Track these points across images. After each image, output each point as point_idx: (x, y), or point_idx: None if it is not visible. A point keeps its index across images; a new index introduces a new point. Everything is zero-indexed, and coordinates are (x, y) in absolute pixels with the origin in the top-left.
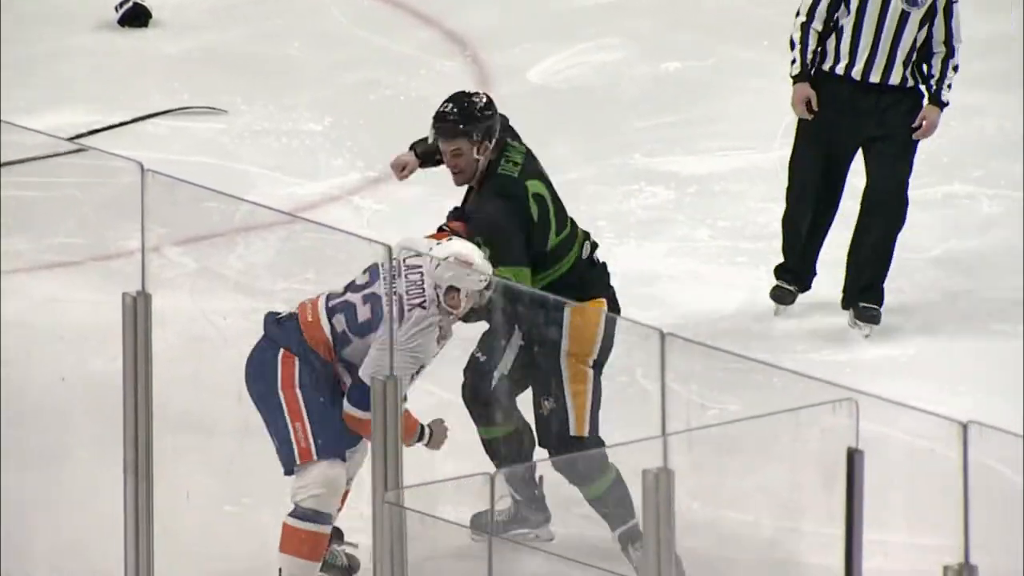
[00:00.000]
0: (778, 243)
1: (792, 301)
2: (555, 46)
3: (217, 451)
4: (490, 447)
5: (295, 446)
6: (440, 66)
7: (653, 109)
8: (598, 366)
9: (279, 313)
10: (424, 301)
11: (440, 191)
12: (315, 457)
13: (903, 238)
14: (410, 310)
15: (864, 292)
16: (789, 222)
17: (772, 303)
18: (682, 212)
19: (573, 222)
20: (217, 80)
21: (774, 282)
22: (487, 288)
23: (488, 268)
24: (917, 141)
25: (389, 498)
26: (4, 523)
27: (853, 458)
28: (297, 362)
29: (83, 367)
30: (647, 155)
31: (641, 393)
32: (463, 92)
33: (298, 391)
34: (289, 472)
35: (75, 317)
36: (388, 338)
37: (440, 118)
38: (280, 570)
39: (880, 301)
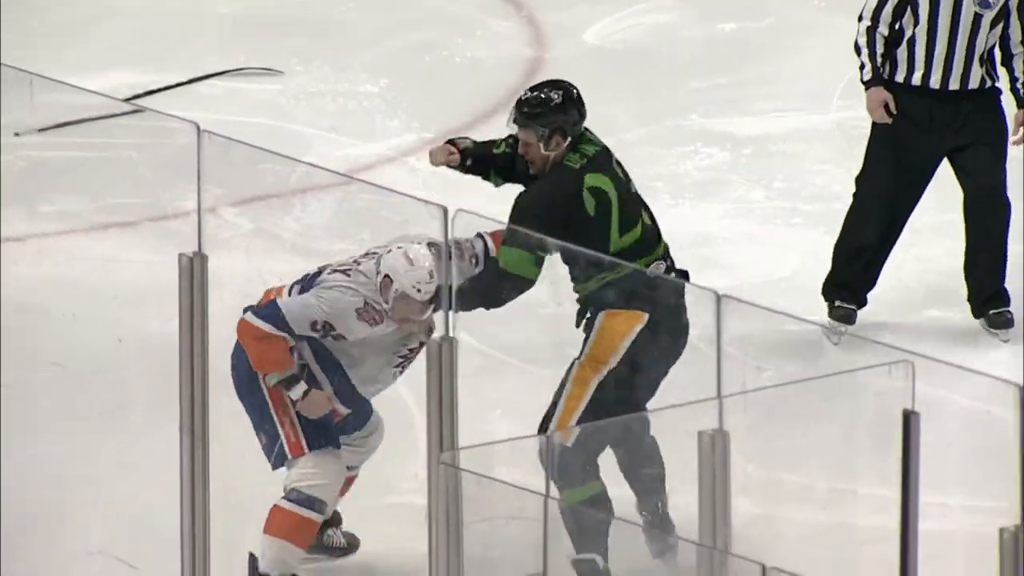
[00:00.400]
0: (839, 205)
1: (854, 321)
2: (611, 7)
3: None
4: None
5: (284, 441)
6: (496, 27)
7: (708, 70)
8: (616, 380)
9: (253, 305)
10: (349, 270)
11: None
12: (307, 451)
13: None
14: (331, 272)
15: (990, 300)
16: (852, 239)
17: (825, 276)
18: (737, 173)
19: (659, 237)
20: (273, 41)
21: (832, 303)
22: (427, 303)
23: (428, 284)
24: (1006, 141)
25: (444, 459)
26: (60, 485)
27: (909, 420)
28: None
29: (140, 328)
30: (703, 116)
31: (697, 355)
32: (548, 83)
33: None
34: (279, 466)
35: (131, 278)
36: (446, 304)
37: (517, 105)
38: (252, 555)
39: (1007, 301)
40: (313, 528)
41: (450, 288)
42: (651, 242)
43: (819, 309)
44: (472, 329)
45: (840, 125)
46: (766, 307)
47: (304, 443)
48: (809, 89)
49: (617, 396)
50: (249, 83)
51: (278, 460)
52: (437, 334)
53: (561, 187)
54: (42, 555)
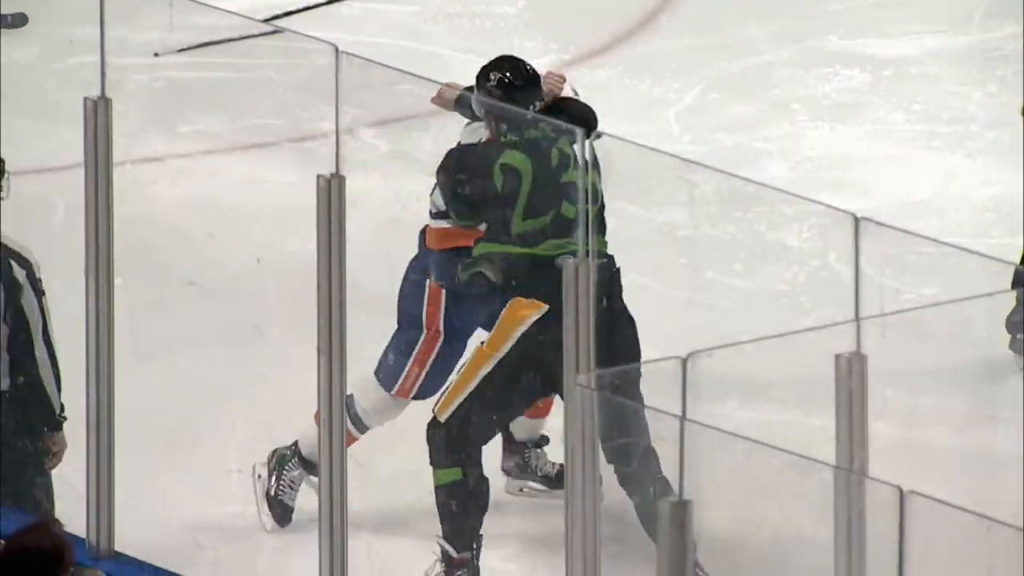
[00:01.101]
0: (975, 128)
1: None
2: None
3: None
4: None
5: (402, 380)
6: None
7: None
8: (505, 369)
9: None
10: None
11: (631, 72)
12: (409, 399)
13: None
14: None
15: None
16: None
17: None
18: (877, 95)
19: (590, 233)
20: None
21: (1011, 335)
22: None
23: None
24: None
25: (581, 382)
26: (199, 403)
27: None
28: (444, 298)
29: (278, 248)
30: (842, 38)
31: (834, 278)
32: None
33: (439, 332)
34: (385, 388)
35: (270, 199)
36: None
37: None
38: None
39: None
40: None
41: (587, 213)
42: (565, 232)
43: (956, 231)
44: (613, 249)
45: (980, 47)
46: (904, 230)
47: (412, 394)
48: (949, 11)
49: (502, 388)
50: (387, 4)
51: (386, 385)
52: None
53: (477, 155)
54: (183, 473)
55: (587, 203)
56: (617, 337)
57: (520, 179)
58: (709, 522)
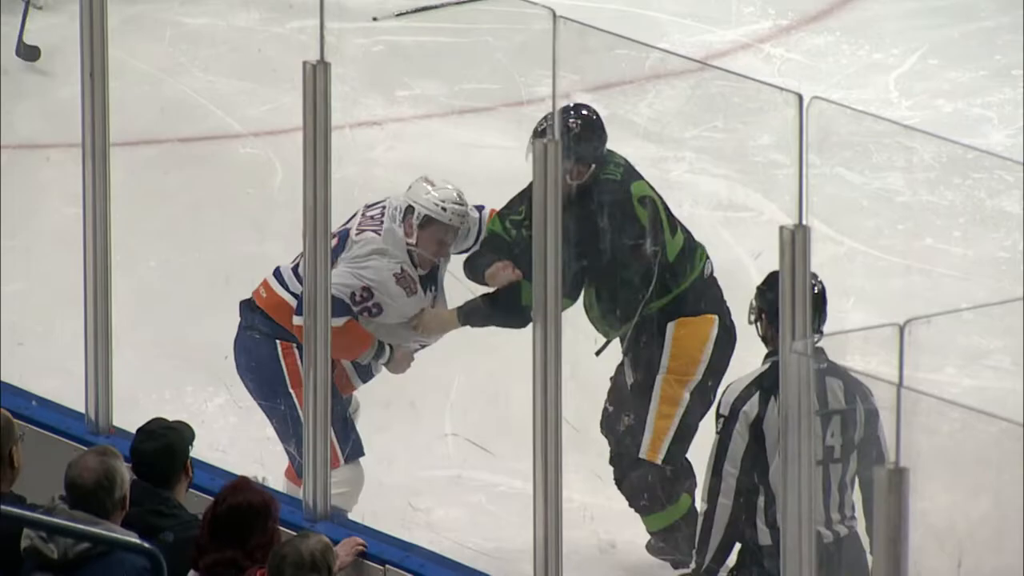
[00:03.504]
0: None
1: None
2: None
3: None
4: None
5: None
6: None
7: None
8: (702, 392)
9: (250, 298)
10: (379, 229)
11: (849, 37)
12: (342, 462)
13: None
14: (359, 234)
15: None
16: None
17: None
18: None
19: (690, 234)
20: None
21: None
22: (452, 219)
23: (454, 205)
24: None
25: (797, 348)
26: (415, 369)
27: None
28: (297, 353)
29: None
30: None
31: None
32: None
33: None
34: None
35: (486, 163)
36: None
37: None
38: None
39: None
40: None
41: None
42: (692, 241)
43: None
44: (825, 217)
45: None
46: None
47: (341, 456)
48: None
49: (703, 409)
50: None
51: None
52: (791, 221)
53: (615, 201)
54: (398, 436)
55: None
56: None
57: (655, 202)
58: (925, 490)
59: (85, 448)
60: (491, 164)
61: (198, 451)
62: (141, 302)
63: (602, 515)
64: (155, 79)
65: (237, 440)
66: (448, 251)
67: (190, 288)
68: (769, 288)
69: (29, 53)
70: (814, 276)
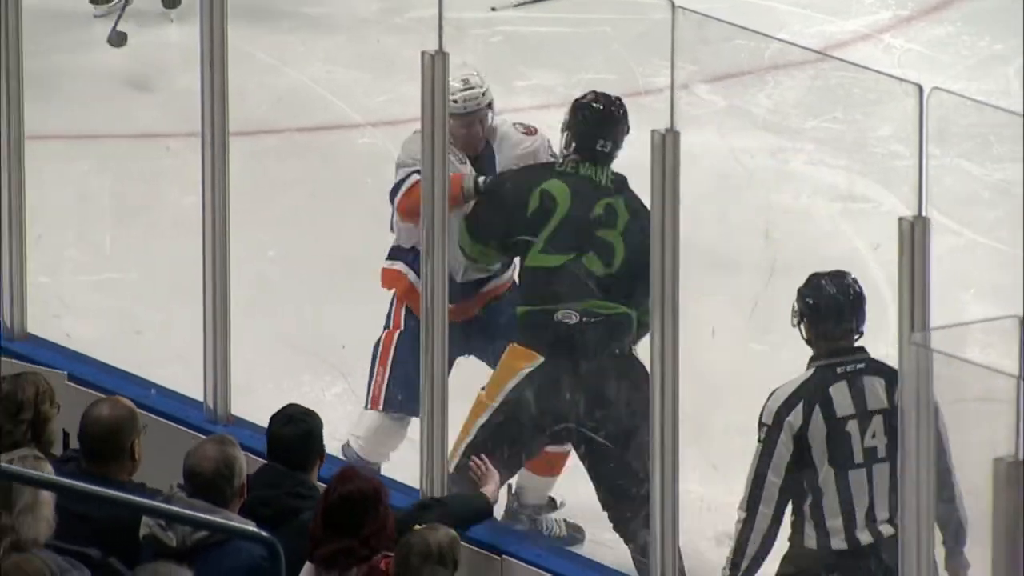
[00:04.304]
0: None
1: None
2: None
3: (743, 289)
4: None
5: (371, 389)
6: None
7: None
8: (503, 416)
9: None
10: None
11: (970, 27)
12: (380, 408)
13: None
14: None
15: None
16: None
17: None
18: None
19: (613, 295)
20: None
21: None
22: (462, 106)
23: (461, 92)
24: None
25: (916, 340)
26: None
27: None
28: (405, 308)
29: None
30: None
31: None
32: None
33: (396, 337)
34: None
35: None
36: None
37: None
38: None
39: None
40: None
41: None
42: (579, 286)
43: None
44: (944, 208)
45: None
46: None
47: (382, 401)
48: None
49: (500, 438)
50: None
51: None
52: (910, 213)
53: (519, 177)
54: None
55: (921, 159)
56: (623, 385)
57: (555, 207)
58: None
59: (203, 437)
60: None
61: None
62: (259, 291)
63: (718, 506)
64: (274, 69)
65: (348, 427)
66: (478, 139)
67: (308, 278)
68: (810, 290)
69: (118, 39)
70: (851, 276)
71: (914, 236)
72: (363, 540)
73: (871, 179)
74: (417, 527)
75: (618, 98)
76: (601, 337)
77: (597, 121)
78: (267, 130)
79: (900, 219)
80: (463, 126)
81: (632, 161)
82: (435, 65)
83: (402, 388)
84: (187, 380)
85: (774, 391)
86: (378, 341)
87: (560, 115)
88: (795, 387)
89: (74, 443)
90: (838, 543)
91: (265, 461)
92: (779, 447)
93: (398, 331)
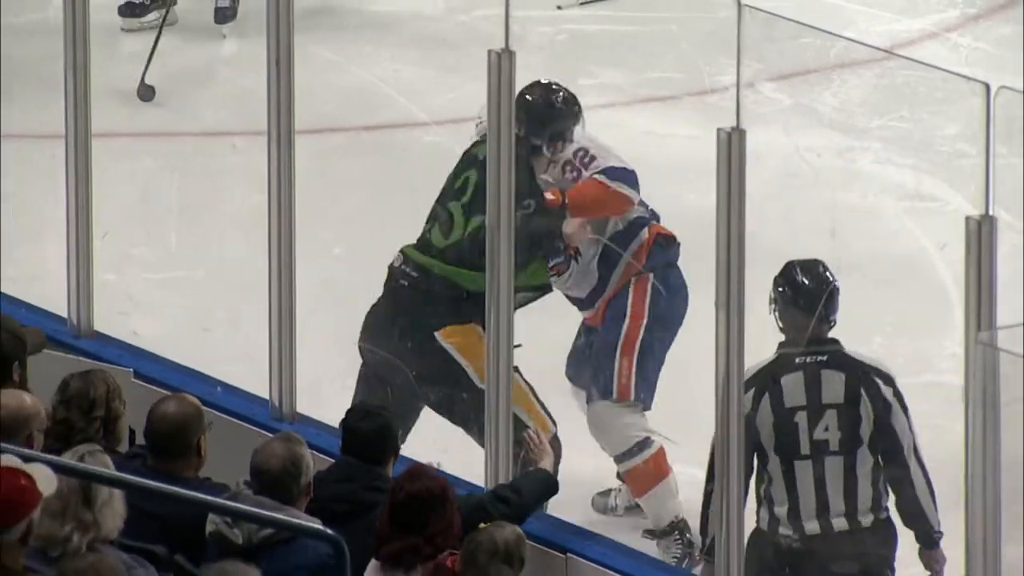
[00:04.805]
0: None
1: None
2: None
3: None
4: None
5: (616, 380)
6: None
7: None
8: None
9: None
10: None
11: None
12: (631, 400)
13: None
14: None
15: None
16: None
17: None
18: None
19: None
20: None
21: None
22: None
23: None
24: None
25: (982, 339)
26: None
27: None
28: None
29: (678, 201)
30: None
31: None
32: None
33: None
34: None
35: (671, 152)
36: None
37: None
38: None
39: None
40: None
41: None
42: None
43: None
44: (1011, 207)
45: None
46: None
47: (632, 390)
48: None
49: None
50: None
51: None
52: (976, 212)
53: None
54: (583, 427)
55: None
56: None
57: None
58: None
59: (268, 434)
60: (675, 153)
61: None
62: (325, 289)
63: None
64: (340, 67)
65: (419, 428)
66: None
67: (374, 276)
68: (783, 279)
69: (146, 93)
70: (824, 266)
71: (980, 235)
72: (428, 539)
73: (938, 178)
74: (484, 525)
75: (560, 89)
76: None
77: (529, 111)
78: (333, 128)
79: (967, 218)
80: None
81: (699, 160)
82: (501, 63)
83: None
84: (253, 378)
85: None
86: (619, 332)
87: (626, 113)
88: (753, 372)
89: (139, 440)
90: (785, 530)
91: (331, 460)
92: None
93: (643, 320)
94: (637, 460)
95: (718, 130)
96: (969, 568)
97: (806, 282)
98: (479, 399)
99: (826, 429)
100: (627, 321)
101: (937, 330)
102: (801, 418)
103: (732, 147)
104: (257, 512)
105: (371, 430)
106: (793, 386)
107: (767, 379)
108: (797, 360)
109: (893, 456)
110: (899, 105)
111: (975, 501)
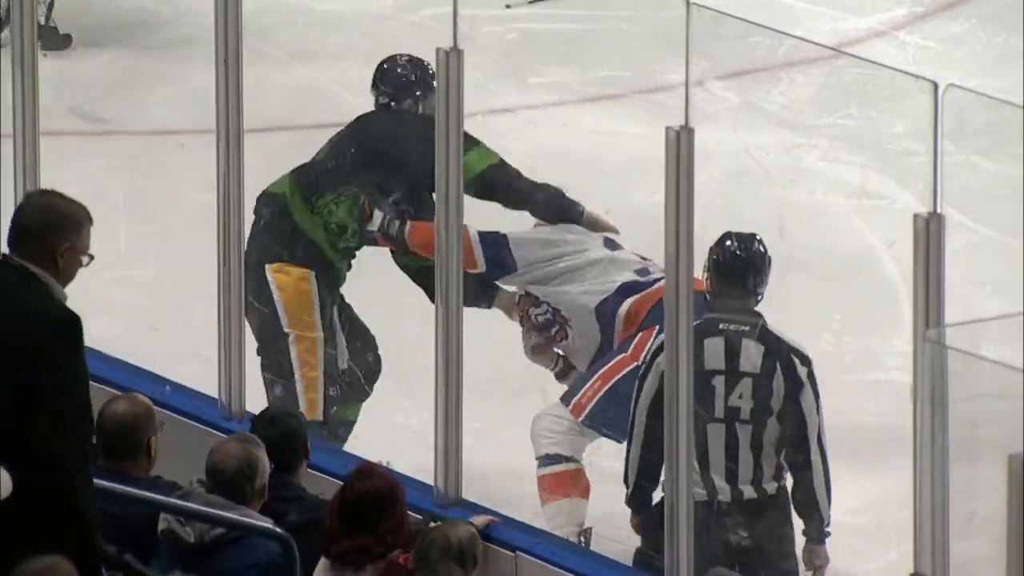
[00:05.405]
0: None
1: None
2: None
3: None
4: None
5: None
6: None
7: None
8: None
9: None
10: None
11: (985, 24)
12: (579, 420)
13: None
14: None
15: None
16: None
17: None
18: None
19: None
20: None
21: None
22: None
23: None
24: None
25: (931, 336)
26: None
27: None
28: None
29: (625, 200)
30: None
31: None
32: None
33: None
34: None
35: (618, 150)
36: None
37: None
38: None
39: None
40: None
41: None
42: None
43: None
44: (959, 205)
45: None
46: None
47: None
48: None
49: None
50: None
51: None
52: (925, 210)
53: None
54: (527, 425)
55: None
56: None
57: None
58: None
59: (218, 433)
60: (624, 151)
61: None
62: None
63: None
64: (288, 66)
65: (369, 426)
66: None
67: None
68: (718, 247)
69: (56, 41)
70: (759, 239)
71: (929, 233)
72: (379, 538)
73: (886, 176)
74: (437, 523)
75: (406, 60)
76: None
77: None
78: (282, 127)
79: (915, 216)
80: None
81: (647, 158)
82: (449, 62)
83: (609, 410)
84: (204, 377)
85: (658, 333)
86: (608, 359)
87: (575, 112)
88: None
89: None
90: (698, 493)
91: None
92: (647, 386)
93: (635, 363)
94: (547, 471)
95: (667, 128)
96: (917, 564)
97: (739, 253)
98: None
99: (740, 397)
100: (621, 355)
101: (885, 327)
102: (719, 382)
103: (680, 145)
104: (207, 511)
105: (276, 436)
106: (714, 350)
107: (696, 339)
108: (720, 326)
109: (797, 435)
110: (847, 103)
111: (924, 499)
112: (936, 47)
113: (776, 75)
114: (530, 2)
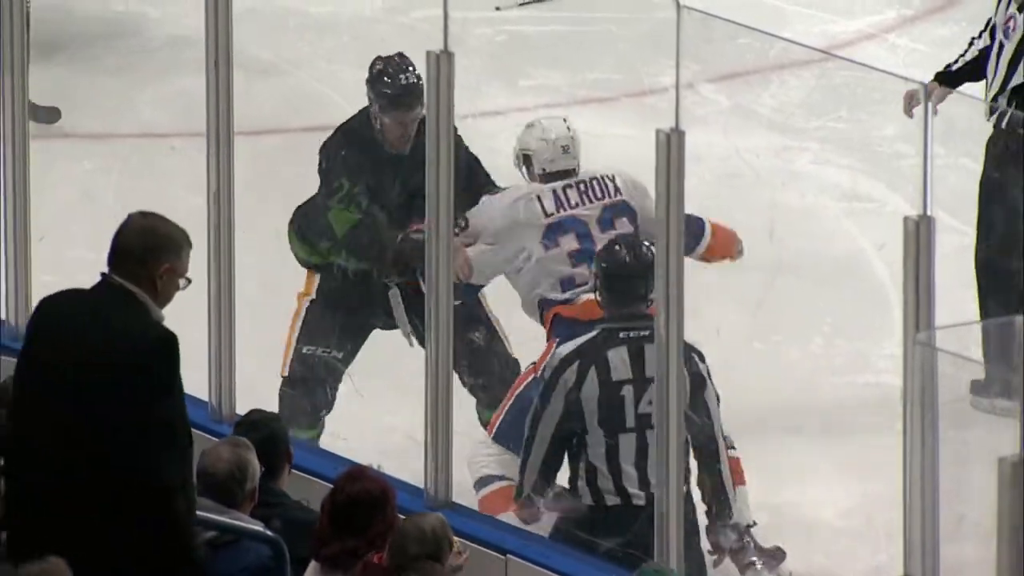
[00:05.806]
0: None
1: None
2: None
3: (748, 288)
4: None
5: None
6: None
7: None
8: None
9: None
10: None
11: (975, 27)
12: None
13: None
14: None
15: None
16: None
17: None
18: None
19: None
20: None
21: None
22: None
23: None
24: None
25: (921, 339)
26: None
27: None
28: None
29: None
30: None
31: None
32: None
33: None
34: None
35: (609, 152)
36: None
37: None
38: None
39: None
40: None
41: None
42: None
43: None
44: (949, 207)
45: None
46: None
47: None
48: None
49: None
50: None
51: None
52: (915, 212)
53: None
54: None
55: None
56: None
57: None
58: None
59: (208, 436)
60: (614, 154)
61: (321, 440)
62: (263, 289)
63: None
64: (278, 68)
65: (360, 429)
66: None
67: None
68: (606, 255)
69: (47, 115)
70: (646, 245)
71: (919, 235)
72: (370, 541)
73: (876, 179)
74: (404, 516)
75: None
76: None
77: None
78: (272, 130)
79: (905, 218)
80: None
81: (638, 160)
82: (440, 64)
83: (514, 425)
84: (193, 379)
85: (556, 348)
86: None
87: (565, 114)
88: (576, 346)
89: None
90: (612, 500)
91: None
92: (552, 402)
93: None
94: (483, 492)
95: (657, 131)
96: (907, 566)
97: (627, 260)
98: None
99: (650, 403)
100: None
101: (876, 330)
102: (628, 391)
103: (671, 148)
104: (198, 515)
105: (258, 440)
106: (619, 360)
107: (594, 353)
108: (621, 335)
109: (704, 431)
110: (837, 106)
111: (914, 501)
112: (926, 50)
113: (766, 78)
114: (520, 5)
